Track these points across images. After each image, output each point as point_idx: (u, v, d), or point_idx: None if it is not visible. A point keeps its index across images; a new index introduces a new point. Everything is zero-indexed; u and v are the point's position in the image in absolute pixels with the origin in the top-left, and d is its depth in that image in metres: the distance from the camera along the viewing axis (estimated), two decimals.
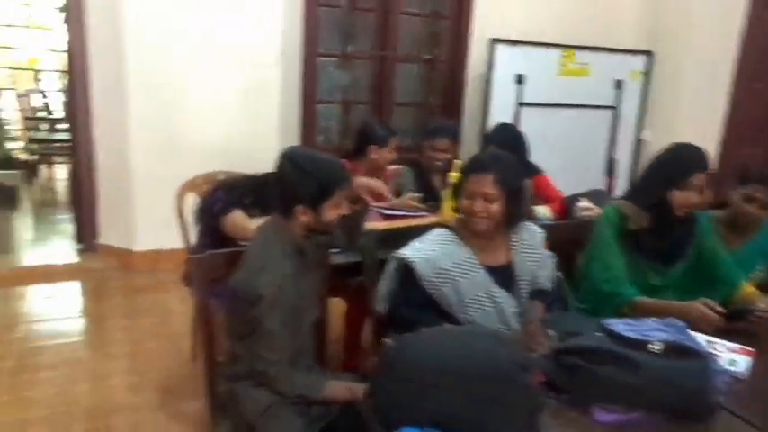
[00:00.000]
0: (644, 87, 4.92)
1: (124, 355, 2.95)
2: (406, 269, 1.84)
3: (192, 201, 2.74)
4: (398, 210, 2.54)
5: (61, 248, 4.25)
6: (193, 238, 2.57)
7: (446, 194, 2.40)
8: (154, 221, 3.83)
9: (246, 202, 2.36)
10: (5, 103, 7.03)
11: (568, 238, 2.31)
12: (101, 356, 2.93)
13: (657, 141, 5.00)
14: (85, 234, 4.10)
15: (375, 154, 2.83)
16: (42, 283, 3.76)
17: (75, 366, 2.82)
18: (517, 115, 4.54)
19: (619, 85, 4.82)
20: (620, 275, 2.06)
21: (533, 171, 3.01)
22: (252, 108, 3.96)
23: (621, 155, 5.00)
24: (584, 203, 2.67)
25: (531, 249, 1.95)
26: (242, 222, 2.29)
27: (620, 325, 1.56)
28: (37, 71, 8.38)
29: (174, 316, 3.40)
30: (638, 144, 5.05)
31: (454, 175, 2.39)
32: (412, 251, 1.85)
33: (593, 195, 2.79)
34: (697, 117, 4.83)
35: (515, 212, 1.86)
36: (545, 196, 2.88)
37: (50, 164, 6.96)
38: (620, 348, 1.45)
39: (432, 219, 2.41)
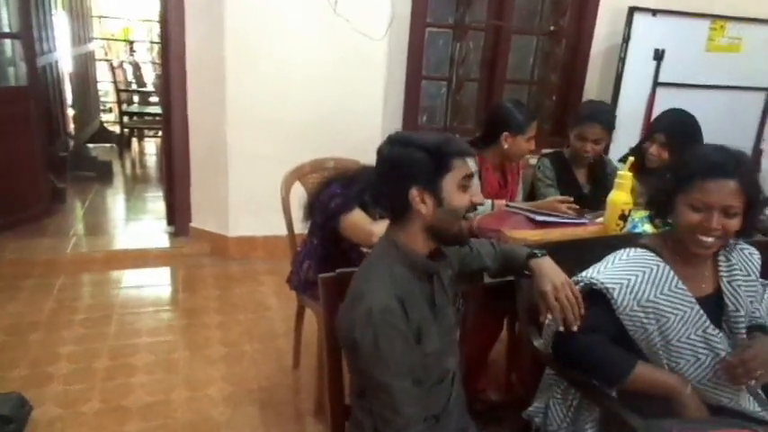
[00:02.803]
0: None
1: (220, 359, 2.68)
2: (595, 298, 1.41)
3: (299, 191, 2.39)
4: (548, 215, 2.09)
5: (153, 231, 4.07)
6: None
7: (615, 198, 1.94)
8: (249, 205, 3.61)
9: (367, 199, 1.98)
10: (100, 75, 6.99)
11: None
12: (197, 360, 2.67)
13: None
14: (178, 216, 3.90)
15: (508, 142, 2.36)
16: (134, 268, 3.58)
17: (171, 371, 2.58)
18: (652, 98, 3.94)
19: None
20: None
21: None
22: (356, 83, 3.58)
23: None
24: None
25: (745, 276, 1.48)
26: (364, 224, 1.93)
27: None
28: (131, 42, 8.35)
29: (271, 313, 3.13)
30: None
31: (624, 175, 1.94)
32: (605, 276, 1.42)
33: None
34: None
35: (749, 229, 1.39)
36: None
37: (141, 138, 6.91)
38: None
39: (596, 229, 1.95)
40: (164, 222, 4.07)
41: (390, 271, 1.25)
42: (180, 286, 3.42)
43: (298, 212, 2.22)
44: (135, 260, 3.64)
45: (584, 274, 1.45)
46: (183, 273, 3.57)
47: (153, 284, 3.45)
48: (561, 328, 1.35)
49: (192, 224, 3.88)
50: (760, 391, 1.45)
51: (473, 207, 1.28)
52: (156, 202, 4.74)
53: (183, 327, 2.96)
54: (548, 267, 1.40)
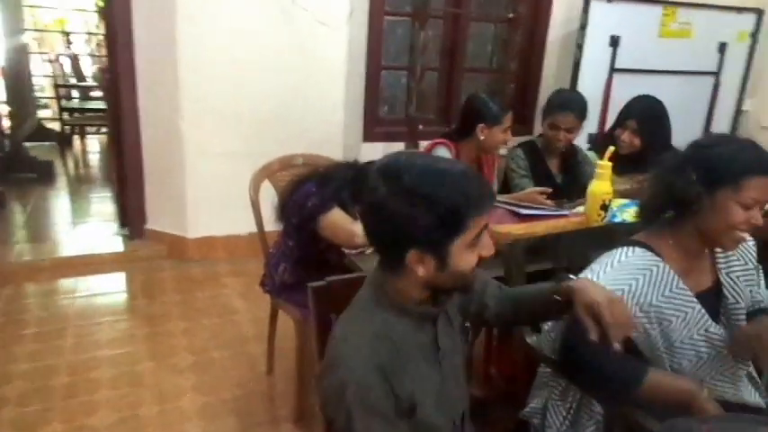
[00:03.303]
0: (750, 51, 4.31)
1: (189, 368, 2.55)
2: None
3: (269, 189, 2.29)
4: (531, 207, 2.05)
5: (104, 234, 3.84)
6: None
7: (596, 189, 1.92)
8: (208, 203, 3.46)
9: (345, 198, 1.90)
10: (35, 69, 6.58)
11: None
12: (163, 370, 2.53)
13: (761, 112, 4.44)
14: (131, 218, 3.69)
15: (484, 134, 2.32)
16: (87, 275, 3.37)
17: (137, 384, 2.43)
18: (609, 83, 3.98)
19: (722, 48, 4.22)
20: None
21: None
22: (316, 74, 3.47)
23: (720, 127, 4.42)
24: None
25: (742, 265, 1.48)
26: (344, 223, 1.85)
27: None
28: (67, 33, 7.91)
29: (238, 317, 3.00)
30: (738, 115, 4.47)
31: (604, 164, 1.92)
32: (605, 281, 1.35)
33: None
34: None
35: None
36: None
37: (84, 135, 6.57)
38: None
39: (578, 220, 1.92)
40: (115, 224, 3.87)
41: (375, 327, 1.06)
42: (138, 292, 3.24)
43: (267, 212, 2.13)
44: (87, 266, 3.44)
45: (581, 276, 1.40)
46: (140, 278, 3.39)
47: (109, 291, 3.26)
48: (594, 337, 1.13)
49: (148, 226, 3.69)
50: (759, 380, 1.45)
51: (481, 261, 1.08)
52: (104, 203, 4.50)
53: (146, 336, 2.80)
54: (590, 283, 1.18)
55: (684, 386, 1.28)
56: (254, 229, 2.30)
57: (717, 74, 4.28)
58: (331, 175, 1.97)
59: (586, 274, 1.40)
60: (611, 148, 2.01)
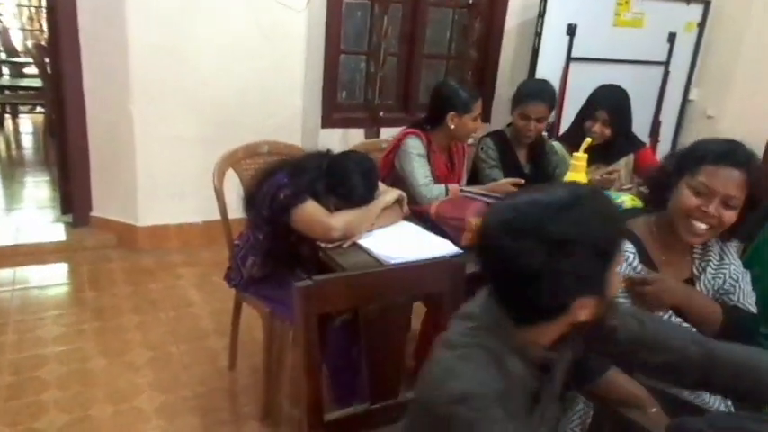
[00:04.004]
0: (697, 41, 4.43)
1: (146, 365, 2.43)
2: None
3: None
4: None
5: (44, 222, 3.61)
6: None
7: (570, 179, 1.91)
8: (161, 190, 3.32)
9: (319, 189, 1.83)
10: None
11: None
12: (117, 368, 2.39)
13: (706, 101, 4.58)
14: (76, 204, 3.48)
15: (455, 123, 2.28)
16: (27, 266, 3.16)
17: (88, 383, 2.29)
18: (566, 72, 4.02)
19: (672, 38, 4.32)
20: None
21: (637, 145, 2.58)
22: (276, 58, 3.35)
23: (668, 116, 4.55)
24: None
25: (717, 261, 1.50)
26: (320, 217, 1.79)
27: None
28: None
29: (195, 309, 2.88)
30: (685, 104, 4.60)
31: (580, 156, 1.92)
32: None
33: None
34: (755, 77, 4.38)
35: (740, 225, 1.39)
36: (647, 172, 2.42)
37: (16, 114, 6.16)
38: None
39: None
40: (55, 211, 3.65)
41: (498, 362, 0.94)
42: (85, 284, 3.05)
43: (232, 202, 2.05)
44: (26, 256, 3.22)
45: None
46: (87, 268, 3.19)
47: (52, 284, 3.06)
48: None
49: (94, 213, 3.49)
50: None
51: None
52: (40, 188, 4.25)
53: (96, 330, 2.64)
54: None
55: (638, 393, 1.28)
56: (209, 217, 2.21)
57: (666, 63, 4.38)
58: (303, 166, 1.89)
59: None
60: (588, 140, 2.01)
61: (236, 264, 2.04)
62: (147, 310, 2.84)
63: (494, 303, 0.97)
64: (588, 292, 0.92)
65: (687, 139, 4.44)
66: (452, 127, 2.28)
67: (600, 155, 2.33)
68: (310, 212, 1.77)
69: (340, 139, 3.80)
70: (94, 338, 2.58)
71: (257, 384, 2.24)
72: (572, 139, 2.43)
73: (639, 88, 4.33)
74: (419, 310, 2.36)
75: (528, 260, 0.87)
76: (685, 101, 4.58)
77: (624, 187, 2.31)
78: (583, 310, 0.92)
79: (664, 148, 4.53)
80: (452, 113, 2.26)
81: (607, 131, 2.37)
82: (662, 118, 4.55)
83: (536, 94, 2.38)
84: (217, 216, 2.16)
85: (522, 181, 2.15)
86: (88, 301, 2.90)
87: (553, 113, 3.85)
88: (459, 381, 0.91)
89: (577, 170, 1.91)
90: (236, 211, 2.02)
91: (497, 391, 0.90)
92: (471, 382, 0.90)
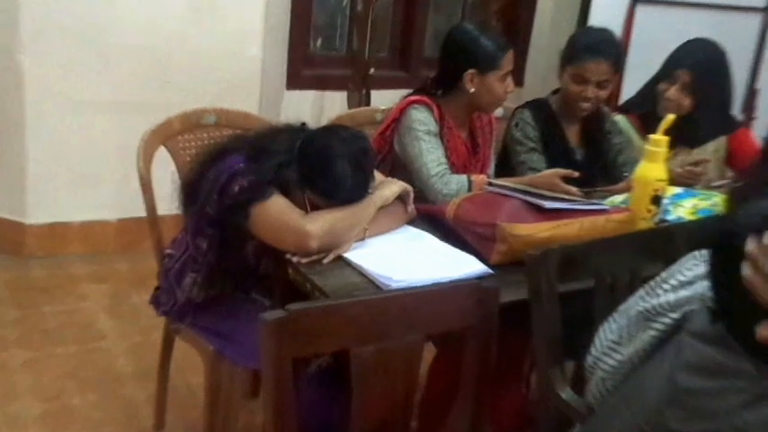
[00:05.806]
0: None
1: (36, 421, 2.42)
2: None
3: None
4: (555, 198, 2.01)
5: None
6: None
7: (646, 173, 1.92)
8: (60, 176, 3.40)
9: (290, 179, 1.82)
10: None
11: None
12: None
13: None
14: None
15: (475, 84, 2.26)
16: None
17: None
18: (629, 17, 4.06)
19: None
20: None
21: (731, 125, 2.67)
22: None
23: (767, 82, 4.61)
24: None
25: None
26: (291, 218, 1.77)
27: None
28: None
29: (106, 343, 2.91)
30: None
31: (657, 140, 1.91)
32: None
33: None
34: None
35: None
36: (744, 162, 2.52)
37: None
38: None
39: (622, 217, 1.91)
40: None
41: None
42: None
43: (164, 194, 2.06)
44: None
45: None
46: None
47: None
48: None
49: None
50: None
51: None
52: None
53: None
54: None
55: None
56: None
57: (766, 10, 4.43)
58: (266, 146, 1.87)
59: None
60: (670, 117, 2.02)
61: (168, 282, 2.04)
62: (39, 343, 2.84)
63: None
64: None
65: None
66: (472, 91, 2.27)
67: (680, 136, 2.33)
68: (277, 212, 1.76)
69: (312, 106, 3.86)
70: None
71: None
72: (640, 112, 2.44)
73: (729, 44, 4.39)
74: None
75: None
76: None
77: (713, 184, 2.32)
78: None
79: (761, 127, 4.57)
80: (472, 71, 2.25)
81: (686, 101, 2.41)
82: (759, 85, 4.60)
83: (597, 47, 2.38)
84: (139, 212, 2.18)
85: (575, 174, 2.15)
86: None
87: None
88: None
89: (655, 159, 1.91)
90: (168, 206, 2.02)
91: None
92: None
